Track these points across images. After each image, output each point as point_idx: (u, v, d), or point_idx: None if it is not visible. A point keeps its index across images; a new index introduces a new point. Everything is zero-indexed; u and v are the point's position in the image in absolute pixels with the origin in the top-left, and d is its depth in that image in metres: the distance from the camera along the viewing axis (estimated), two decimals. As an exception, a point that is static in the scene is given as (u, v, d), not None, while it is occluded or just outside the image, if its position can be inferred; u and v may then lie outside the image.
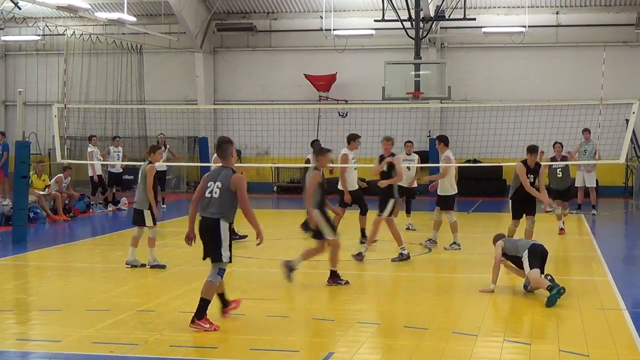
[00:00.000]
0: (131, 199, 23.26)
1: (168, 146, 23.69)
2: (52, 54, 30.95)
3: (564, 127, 21.48)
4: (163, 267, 13.10)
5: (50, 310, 10.07)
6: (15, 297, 11.20)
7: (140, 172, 13.24)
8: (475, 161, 25.60)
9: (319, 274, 12.93)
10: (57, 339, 8.65)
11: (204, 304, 9.06)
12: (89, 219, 20.74)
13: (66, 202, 20.85)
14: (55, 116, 18.57)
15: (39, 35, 30.06)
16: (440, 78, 24.29)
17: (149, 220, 13.11)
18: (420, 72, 24.06)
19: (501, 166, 25.65)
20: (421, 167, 18.79)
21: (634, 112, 16.15)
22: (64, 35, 27.60)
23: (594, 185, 21.68)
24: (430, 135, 28.15)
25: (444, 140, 16.02)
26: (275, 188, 29.44)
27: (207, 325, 8.96)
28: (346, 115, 27.36)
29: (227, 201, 9.13)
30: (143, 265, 13.15)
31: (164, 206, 23.02)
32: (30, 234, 16.76)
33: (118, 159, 22.79)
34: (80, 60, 29.37)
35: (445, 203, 15.48)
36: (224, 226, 9.11)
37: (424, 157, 26.03)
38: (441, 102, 26.58)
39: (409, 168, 16.83)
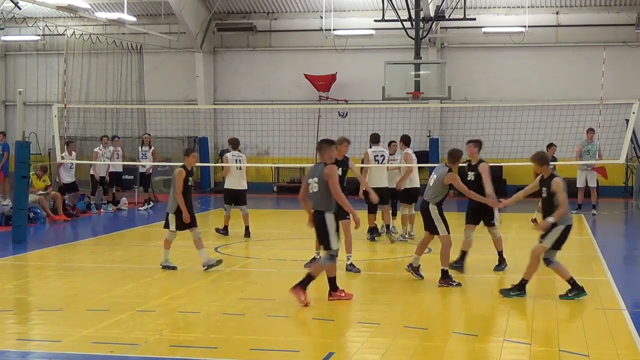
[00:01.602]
0: (131, 199, 23.36)
1: (153, 147, 23.73)
2: (52, 54, 30.95)
3: (564, 127, 21.49)
4: (174, 268, 12.88)
5: (50, 310, 10.07)
6: (15, 297, 11.20)
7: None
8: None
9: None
10: (57, 339, 8.64)
11: (308, 279, 10.27)
12: (89, 219, 20.74)
13: (66, 201, 20.86)
14: (55, 116, 18.57)
15: (39, 35, 30.06)
16: (440, 78, 24.30)
17: (172, 225, 12.86)
18: (420, 72, 24.06)
19: (501, 166, 25.65)
20: (419, 168, 18.72)
21: (634, 112, 16.16)
22: (64, 35, 27.60)
23: (595, 185, 21.67)
24: (430, 135, 28.16)
25: (404, 139, 16.59)
26: (275, 188, 29.44)
27: (342, 294, 10.44)
28: (346, 115, 27.37)
29: (325, 193, 10.26)
30: (220, 262, 12.92)
31: (150, 205, 23.02)
32: (30, 234, 16.75)
33: (118, 159, 22.77)
34: (80, 60, 29.37)
35: (407, 197, 16.17)
36: (328, 217, 10.28)
37: (424, 157, 26.05)
38: (441, 102, 26.59)
39: (399, 169, 16.71)
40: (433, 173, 12.12)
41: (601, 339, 8.82)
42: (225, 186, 17.51)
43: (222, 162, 18.91)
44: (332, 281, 10.60)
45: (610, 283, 11.88)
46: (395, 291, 11.69)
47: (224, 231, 17.14)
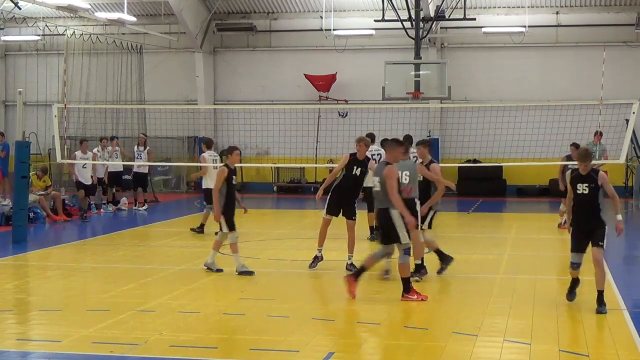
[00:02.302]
0: (131, 199, 23.35)
1: (148, 147, 23.73)
2: (52, 54, 30.95)
3: (564, 127, 21.49)
4: (251, 273, 12.39)
5: (50, 310, 10.06)
6: (15, 297, 11.20)
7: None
8: (475, 161, 25.62)
9: (318, 274, 12.94)
10: (57, 339, 8.64)
11: (361, 270, 10.73)
12: (89, 219, 20.72)
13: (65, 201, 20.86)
14: (55, 116, 18.56)
15: (39, 35, 30.06)
16: (440, 78, 24.29)
17: (224, 226, 12.56)
18: (420, 72, 24.05)
19: (501, 166, 25.68)
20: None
21: (634, 112, 16.15)
22: (64, 35, 27.60)
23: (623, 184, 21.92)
24: (430, 135, 28.15)
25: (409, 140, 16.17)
26: (275, 188, 29.44)
27: (415, 297, 10.44)
28: (346, 115, 27.37)
29: (386, 192, 10.43)
30: (219, 271, 12.58)
31: (145, 207, 23.01)
32: (30, 234, 16.75)
33: (117, 159, 22.75)
34: (80, 60, 29.36)
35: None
36: (394, 213, 10.41)
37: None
38: (441, 102, 26.58)
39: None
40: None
41: (601, 339, 8.82)
42: (206, 186, 17.59)
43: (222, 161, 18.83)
44: (405, 281, 10.60)
45: (610, 283, 11.86)
46: (395, 291, 11.67)
47: (200, 229, 17.24)
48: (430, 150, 12.76)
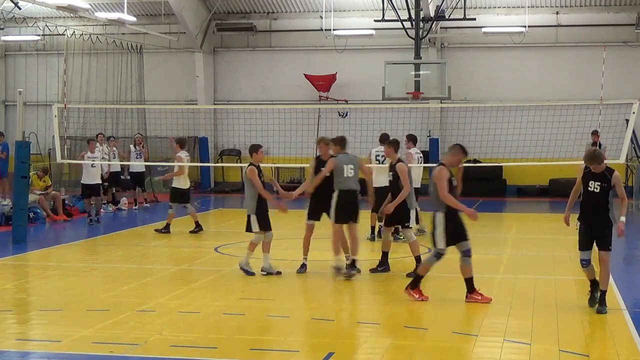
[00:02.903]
0: (131, 199, 23.35)
1: (144, 147, 23.72)
2: (52, 54, 30.95)
3: (564, 127, 21.50)
4: (252, 274, 12.34)
5: (50, 310, 10.07)
6: (15, 297, 11.19)
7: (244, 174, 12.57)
8: (475, 161, 25.60)
9: (318, 274, 12.94)
10: (57, 339, 8.64)
11: (417, 278, 10.68)
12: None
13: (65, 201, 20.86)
14: (55, 116, 18.58)
15: (39, 35, 30.06)
16: (440, 78, 24.29)
17: (255, 226, 12.41)
18: (420, 72, 24.05)
19: (501, 166, 25.66)
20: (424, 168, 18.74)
21: (634, 112, 16.17)
22: (64, 35, 27.60)
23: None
24: (430, 135, 28.17)
25: (412, 138, 16.55)
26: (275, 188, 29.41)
27: (479, 297, 10.37)
28: (346, 115, 27.37)
29: (436, 194, 10.46)
30: (279, 273, 12.49)
31: (148, 205, 23.07)
32: (30, 234, 16.75)
33: (115, 159, 22.76)
34: (80, 60, 29.36)
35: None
36: (438, 216, 10.45)
37: (424, 157, 26.01)
38: (441, 102, 26.58)
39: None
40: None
41: (601, 339, 8.82)
42: (177, 185, 17.63)
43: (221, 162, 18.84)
44: (468, 282, 10.58)
45: (610, 283, 11.86)
46: (395, 291, 11.68)
47: (167, 230, 17.25)
48: (395, 150, 12.74)
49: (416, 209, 13.04)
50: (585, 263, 10.11)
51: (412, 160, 15.89)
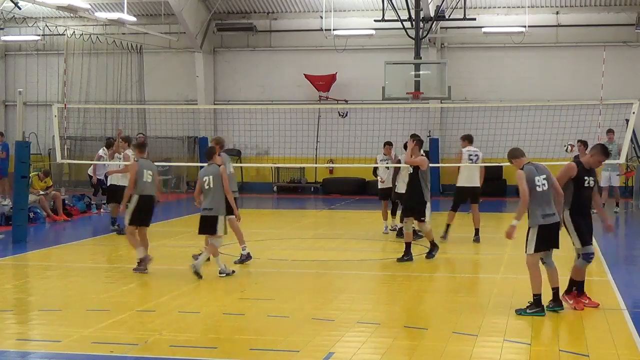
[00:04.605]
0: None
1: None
2: (52, 54, 30.94)
3: (564, 127, 21.49)
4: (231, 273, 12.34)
5: (50, 310, 10.07)
6: (15, 297, 11.19)
7: (212, 175, 12.33)
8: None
9: (318, 274, 12.95)
10: (57, 339, 8.65)
11: (570, 284, 10.29)
12: (89, 219, 20.74)
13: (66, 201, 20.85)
14: (55, 116, 18.56)
15: (39, 35, 30.05)
16: (440, 78, 24.28)
17: (222, 229, 12.32)
18: (420, 72, 24.04)
19: (501, 166, 25.64)
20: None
21: (634, 112, 16.15)
22: (64, 35, 27.59)
23: (618, 185, 22.08)
24: (430, 135, 28.16)
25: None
26: (275, 188, 29.44)
27: (571, 302, 10.11)
28: (346, 115, 27.36)
29: (552, 195, 10.04)
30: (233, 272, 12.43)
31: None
32: (30, 234, 16.75)
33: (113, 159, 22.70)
34: (80, 60, 29.36)
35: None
36: (565, 216, 10.13)
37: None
38: (441, 102, 26.58)
39: (387, 168, 16.94)
40: None
41: (601, 339, 8.82)
42: (116, 183, 17.54)
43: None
44: (578, 285, 10.26)
45: (610, 283, 11.88)
46: (395, 291, 11.69)
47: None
48: (421, 147, 14.32)
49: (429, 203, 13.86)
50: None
51: (462, 159, 16.23)
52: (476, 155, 16.43)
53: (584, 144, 19.00)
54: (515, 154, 10.20)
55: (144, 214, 12.82)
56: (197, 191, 12.50)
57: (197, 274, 11.99)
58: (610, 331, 9.11)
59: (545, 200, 9.92)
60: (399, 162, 15.97)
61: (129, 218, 12.72)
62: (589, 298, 10.28)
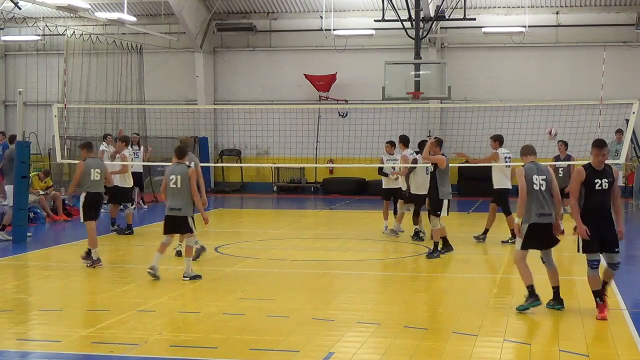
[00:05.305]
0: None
1: (142, 146, 23.70)
2: (52, 54, 30.95)
3: (564, 127, 21.46)
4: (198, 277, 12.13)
5: (50, 310, 10.07)
6: (15, 297, 11.19)
7: (179, 174, 12.25)
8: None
9: (318, 274, 12.95)
10: (57, 339, 8.64)
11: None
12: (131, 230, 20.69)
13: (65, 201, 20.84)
14: (55, 116, 18.55)
15: (39, 35, 30.05)
16: (440, 78, 24.29)
17: (193, 228, 12.25)
18: (420, 72, 24.05)
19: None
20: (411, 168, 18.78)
21: (634, 112, 16.15)
22: (64, 35, 27.56)
23: (622, 185, 22.17)
24: (430, 135, 28.14)
25: (403, 140, 17.19)
26: (275, 188, 29.44)
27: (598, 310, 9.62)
28: (346, 115, 27.37)
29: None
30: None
31: (145, 206, 23.12)
32: (30, 234, 16.74)
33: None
34: (80, 60, 29.32)
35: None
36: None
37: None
38: (441, 102, 26.58)
39: (393, 168, 16.96)
40: None
41: (601, 339, 8.82)
42: (118, 184, 17.55)
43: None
44: (594, 293, 9.81)
45: (610, 283, 11.86)
46: (395, 291, 11.69)
47: (130, 230, 17.49)
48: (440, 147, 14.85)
49: (448, 200, 14.46)
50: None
51: (499, 160, 16.22)
52: (509, 157, 16.38)
53: (564, 144, 18.87)
54: (522, 151, 10.43)
55: (93, 210, 13.63)
56: (162, 188, 12.47)
57: (196, 276, 11.96)
58: (610, 331, 9.10)
59: (543, 199, 10.01)
60: (415, 162, 16.08)
61: (83, 215, 13.58)
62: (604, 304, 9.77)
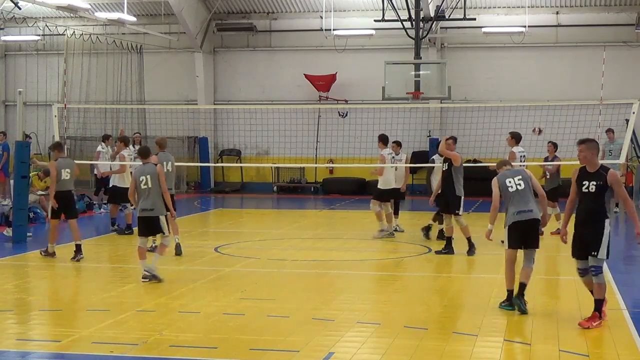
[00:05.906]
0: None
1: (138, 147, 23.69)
2: (52, 54, 30.97)
3: (564, 127, 21.50)
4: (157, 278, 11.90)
5: (50, 310, 10.06)
6: (15, 297, 11.18)
7: (149, 174, 12.17)
8: (475, 161, 25.59)
9: (318, 274, 12.95)
10: (57, 339, 8.65)
11: (598, 304, 9.22)
12: (89, 219, 20.74)
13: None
14: (55, 116, 18.58)
15: (39, 35, 30.06)
16: (440, 78, 24.28)
17: (165, 228, 12.29)
18: (420, 72, 24.04)
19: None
20: (412, 168, 18.82)
21: (634, 112, 16.16)
22: (64, 35, 27.61)
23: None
24: (430, 135, 28.18)
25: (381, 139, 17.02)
26: (275, 188, 29.45)
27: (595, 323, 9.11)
28: (346, 115, 27.38)
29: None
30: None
31: (133, 207, 23.06)
32: (30, 234, 16.74)
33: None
34: (80, 60, 29.37)
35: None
36: (606, 223, 9.06)
37: (423, 157, 26.05)
38: (441, 102, 26.59)
39: (396, 168, 16.96)
40: None
41: (601, 339, 8.82)
42: (117, 184, 17.54)
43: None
44: (598, 303, 9.27)
45: (610, 283, 11.86)
46: (395, 291, 11.69)
47: (130, 230, 17.33)
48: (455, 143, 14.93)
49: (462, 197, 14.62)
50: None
51: (514, 159, 16.09)
52: (525, 155, 16.46)
53: (554, 145, 18.78)
54: (497, 165, 10.74)
55: (63, 208, 14.03)
56: (131, 190, 12.33)
57: (155, 277, 11.81)
58: (610, 331, 9.10)
59: (520, 198, 10.29)
60: (433, 161, 16.27)
61: (50, 212, 14.11)
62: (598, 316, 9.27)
